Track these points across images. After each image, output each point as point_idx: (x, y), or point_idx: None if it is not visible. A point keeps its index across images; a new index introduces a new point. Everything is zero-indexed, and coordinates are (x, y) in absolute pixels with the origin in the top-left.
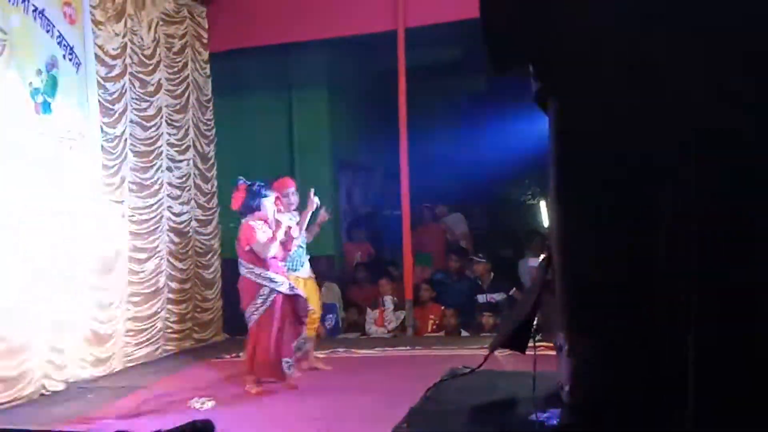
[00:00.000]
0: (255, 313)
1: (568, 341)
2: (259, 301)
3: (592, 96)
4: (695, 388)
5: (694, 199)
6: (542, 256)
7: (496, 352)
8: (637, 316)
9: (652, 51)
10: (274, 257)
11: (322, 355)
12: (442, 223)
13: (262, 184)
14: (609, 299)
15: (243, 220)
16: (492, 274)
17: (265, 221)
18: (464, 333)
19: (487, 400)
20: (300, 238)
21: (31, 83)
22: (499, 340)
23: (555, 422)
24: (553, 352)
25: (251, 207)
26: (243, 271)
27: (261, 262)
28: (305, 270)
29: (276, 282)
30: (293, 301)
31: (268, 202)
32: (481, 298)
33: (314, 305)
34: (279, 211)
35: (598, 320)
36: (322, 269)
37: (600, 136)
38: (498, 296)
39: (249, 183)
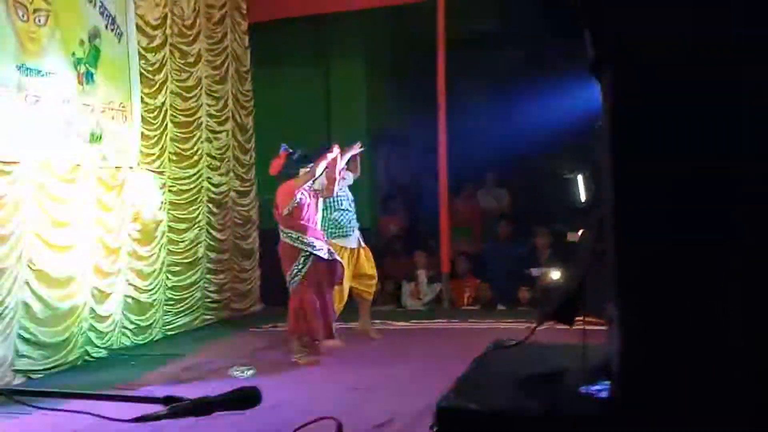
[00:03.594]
0: (297, 275)
1: (620, 313)
2: (300, 264)
3: (653, 66)
4: (755, 362)
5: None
6: (581, 231)
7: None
8: (692, 288)
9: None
10: (309, 223)
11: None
12: (482, 195)
13: (304, 153)
14: (664, 270)
15: (280, 186)
16: (551, 248)
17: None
18: (500, 306)
19: (534, 372)
20: (346, 202)
21: (74, 53)
22: (546, 313)
23: (605, 395)
24: (599, 327)
25: (289, 174)
26: (282, 236)
27: (299, 226)
28: (354, 239)
29: (314, 246)
30: (332, 265)
31: (306, 171)
32: (535, 271)
33: (371, 272)
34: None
35: (651, 292)
36: None
37: (661, 106)
38: (552, 271)
39: (291, 151)
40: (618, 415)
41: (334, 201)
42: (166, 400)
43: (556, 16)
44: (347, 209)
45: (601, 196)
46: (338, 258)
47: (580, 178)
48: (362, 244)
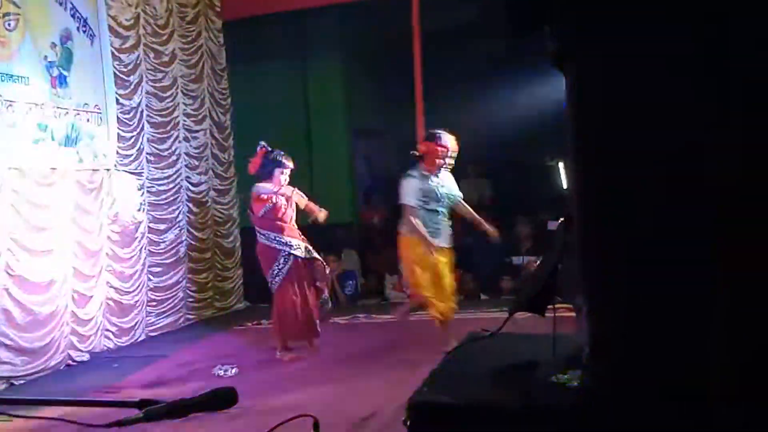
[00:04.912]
0: (277, 276)
1: (589, 303)
2: (281, 264)
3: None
4: (724, 352)
5: (734, 163)
6: (561, 219)
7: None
8: (660, 278)
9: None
10: (285, 222)
11: (343, 321)
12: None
13: (282, 152)
14: (630, 261)
15: (252, 188)
16: (532, 237)
17: (280, 189)
18: (483, 296)
19: (507, 363)
20: (442, 202)
21: (46, 56)
22: (518, 303)
23: (576, 384)
24: (573, 314)
25: (266, 174)
26: (259, 237)
27: (275, 227)
28: (444, 238)
29: (292, 245)
30: (311, 264)
31: (283, 174)
32: (517, 260)
33: (447, 278)
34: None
35: (620, 281)
36: (341, 236)
37: (626, 91)
38: (535, 260)
39: (269, 149)
40: (589, 405)
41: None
42: (141, 404)
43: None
44: (440, 210)
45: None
46: (317, 256)
47: (561, 165)
48: (448, 243)
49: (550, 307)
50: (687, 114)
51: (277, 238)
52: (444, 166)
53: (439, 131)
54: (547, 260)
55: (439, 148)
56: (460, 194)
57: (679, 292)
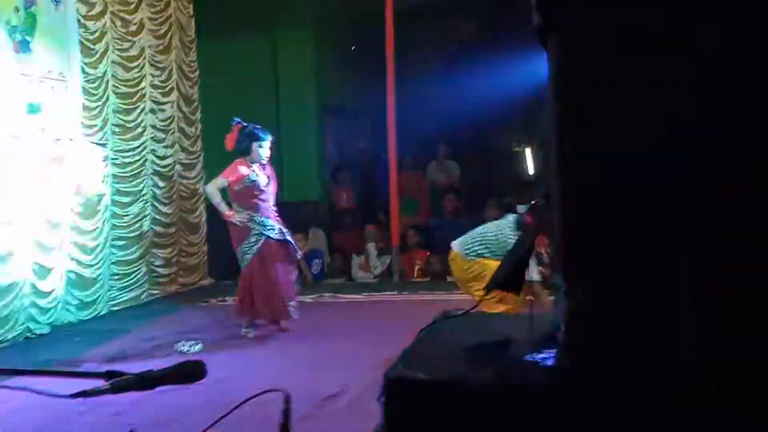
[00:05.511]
0: (247, 253)
1: (566, 282)
2: (251, 242)
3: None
4: (696, 331)
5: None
6: (530, 204)
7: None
8: (639, 257)
9: None
10: (261, 201)
11: (309, 300)
12: (433, 169)
13: (258, 126)
14: (609, 239)
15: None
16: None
17: (261, 165)
18: (450, 278)
19: (481, 342)
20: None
21: (8, 21)
22: (494, 282)
23: (551, 363)
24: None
25: (242, 149)
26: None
27: (251, 205)
28: None
29: (265, 225)
30: (285, 246)
31: (261, 147)
32: None
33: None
34: None
35: (597, 261)
36: (308, 214)
37: (607, 73)
38: None
39: (244, 124)
40: (564, 383)
41: None
42: (108, 375)
43: None
44: None
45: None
46: (290, 239)
47: (528, 151)
48: None
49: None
50: (672, 91)
51: (252, 216)
52: None
53: None
54: (522, 240)
55: None
56: None
57: (655, 269)
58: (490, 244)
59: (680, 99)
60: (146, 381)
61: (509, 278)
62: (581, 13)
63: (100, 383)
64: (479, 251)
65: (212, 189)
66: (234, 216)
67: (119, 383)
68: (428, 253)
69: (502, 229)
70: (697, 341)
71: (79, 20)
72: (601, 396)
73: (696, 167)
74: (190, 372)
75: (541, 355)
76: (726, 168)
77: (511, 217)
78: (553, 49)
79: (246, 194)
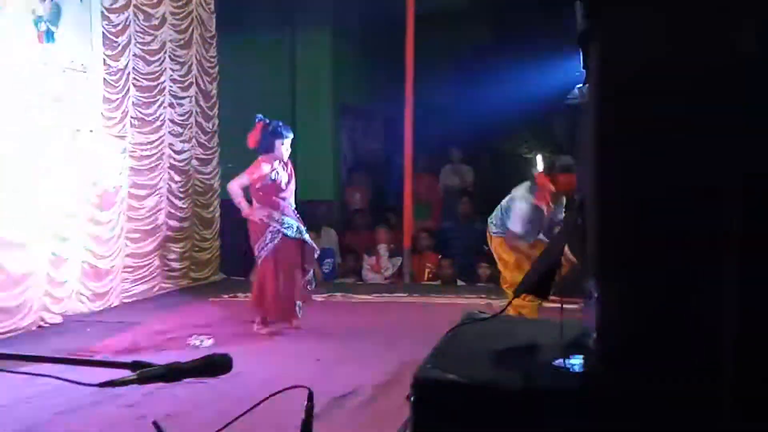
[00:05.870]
0: (263, 250)
1: (599, 287)
2: (267, 239)
3: (649, 41)
4: (735, 342)
5: (755, 152)
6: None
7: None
8: (673, 266)
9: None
10: (282, 200)
11: (320, 299)
12: (446, 172)
13: (281, 123)
14: (644, 246)
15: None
16: None
17: (280, 162)
18: (460, 282)
19: (509, 345)
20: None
21: (34, 10)
22: (523, 287)
23: (579, 369)
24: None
25: (265, 146)
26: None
27: (272, 202)
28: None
29: (283, 223)
30: (301, 245)
31: (283, 144)
32: None
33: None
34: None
35: (631, 269)
36: (321, 213)
37: (650, 79)
38: None
39: (267, 122)
40: (595, 389)
41: None
42: (134, 365)
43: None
44: None
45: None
46: (308, 239)
47: (539, 157)
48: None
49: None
50: (711, 107)
51: (271, 214)
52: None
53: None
54: (554, 244)
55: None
56: None
57: (690, 279)
58: (495, 218)
59: (727, 113)
60: (173, 372)
61: (539, 283)
62: (630, 23)
63: (126, 373)
64: (492, 227)
65: (235, 188)
66: (254, 213)
67: (146, 374)
68: (439, 256)
69: (512, 196)
70: (734, 350)
71: (102, 12)
72: (632, 402)
73: (737, 177)
74: (216, 365)
75: (570, 361)
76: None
77: (526, 184)
78: (595, 57)
79: (267, 192)
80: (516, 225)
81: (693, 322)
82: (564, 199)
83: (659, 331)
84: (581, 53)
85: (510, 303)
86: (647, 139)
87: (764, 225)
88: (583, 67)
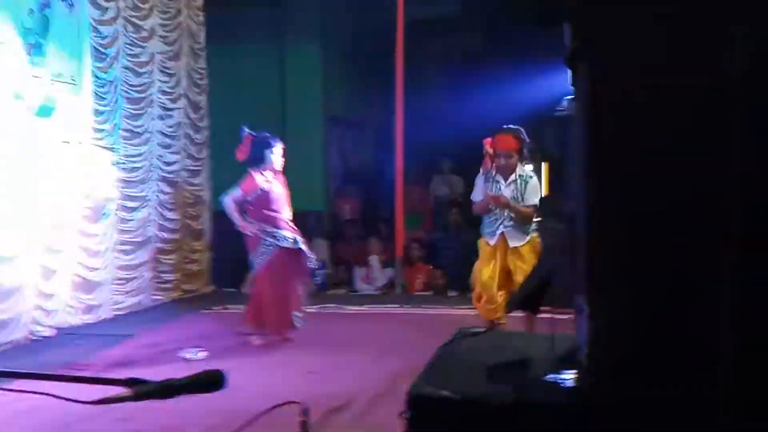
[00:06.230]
0: (258, 262)
1: (590, 303)
2: (263, 249)
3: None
4: (728, 356)
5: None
6: (536, 219)
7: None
8: (663, 282)
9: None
10: (275, 213)
11: (312, 310)
12: (437, 182)
13: (268, 135)
14: (635, 262)
15: (250, 170)
16: None
17: (275, 173)
18: (452, 293)
19: (501, 360)
20: None
21: (23, 23)
22: (515, 301)
23: (571, 383)
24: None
25: (256, 158)
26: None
27: (264, 216)
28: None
29: (277, 236)
30: (298, 255)
31: (273, 153)
32: None
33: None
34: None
35: (622, 284)
36: (311, 224)
37: (638, 99)
38: None
39: (254, 134)
40: (586, 403)
41: None
42: (129, 382)
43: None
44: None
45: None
46: (304, 248)
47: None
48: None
49: (545, 308)
50: (695, 121)
51: (264, 228)
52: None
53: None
54: (542, 261)
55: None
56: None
57: (681, 295)
58: None
59: (711, 130)
60: (168, 390)
61: (530, 299)
62: (615, 45)
63: (121, 390)
64: None
65: (229, 200)
66: (247, 227)
67: (141, 391)
68: (431, 266)
69: None
70: (732, 368)
71: (91, 24)
72: (622, 417)
73: (728, 196)
74: (210, 381)
75: (562, 376)
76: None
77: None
78: (583, 77)
79: (259, 204)
80: (475, 195)
81: (685, 339)
82: (504, 161)
83: (650, 345)
84: (570, 71)
85: (499, 322)
86: (637, 162)
87: (758, 248)
88: (572, 84)
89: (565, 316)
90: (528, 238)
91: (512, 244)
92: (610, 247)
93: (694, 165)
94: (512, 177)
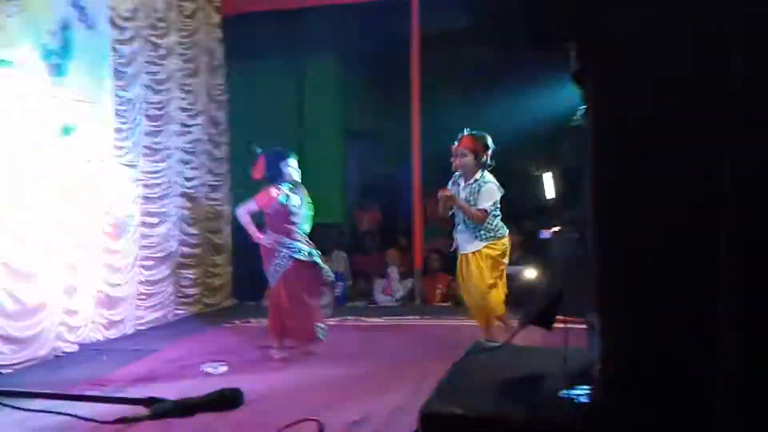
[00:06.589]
0: (275, 274)
1: (602, 318)
2: (279, 261)
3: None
4: (739, 371)
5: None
6: (553, 229)
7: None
8: (678, 294)
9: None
10: (293, 225)
11: (332, 323)
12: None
13: (279, 149)
14: (647, 279)
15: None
16: (522, 246)
17: (294, 185)
18: None
19: (515, 376)
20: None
21: (44, 44)
22: (526, 317)
23: (585, 399)
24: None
25: (274, 175)
26: (264, 234)
27: (283, 229)
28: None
29: (293, 248)
30: (314, 268)
31: (289, 166)
32: (511, 270)
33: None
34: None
35: (634, 300)
36: (331, 237)
37: (643, 114)
38: (525, 269)
39: (265, 153)
40: (599, 420)
41: None
42: (147, 401)
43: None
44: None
45: (575, 197)
46: (320, 261)
47: (547, 175)
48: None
49: (557, 322)
50: (697, 130)
51: (279, 240)
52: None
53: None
54: (554, 275)
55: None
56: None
57: (693, 310)
58: None
59: (714, 139)
60: (186, 409)
61: (543, 314)
62: (617, 62)
63: (140, 409)
64: None
65: (242, 212)
66: (263, 239)
67: (159, 410)
68: (450, 277)
69: None
70: (735, 390)
71: (111, 44)
72: None
73: (732, 208)
74: (228, 400)
75: (576, 391)
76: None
77: None
78: (590, 91)
79: (278, 218)
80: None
81: (696, 354)
82: (459, 159)
83: (662, 362)
84: (579, 88)
85: (515, 334)
86: (645, 174)
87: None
88: (581, 99)
89: (578, 327)
90: (482, 245)
91: (462, 250)
92: (620, 265)
93: (702, 179)
94: (471, 180)
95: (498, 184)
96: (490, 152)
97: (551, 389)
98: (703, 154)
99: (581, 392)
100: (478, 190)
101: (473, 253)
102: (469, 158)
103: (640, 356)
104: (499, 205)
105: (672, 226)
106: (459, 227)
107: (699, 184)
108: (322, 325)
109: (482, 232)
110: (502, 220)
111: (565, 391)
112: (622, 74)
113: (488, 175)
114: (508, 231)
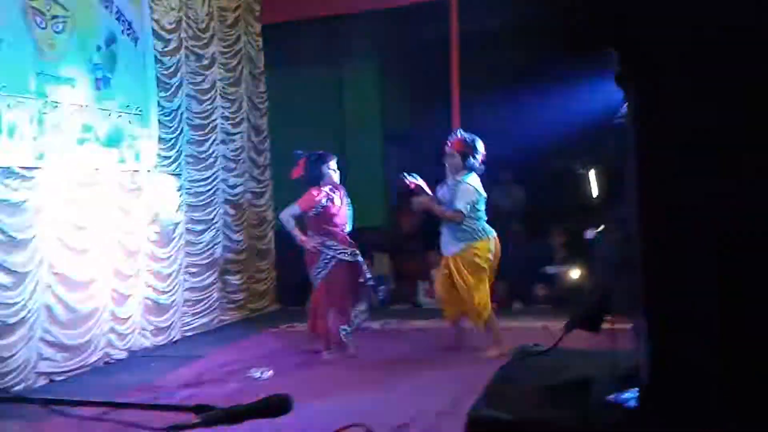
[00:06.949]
0: (317, 277)
1: (649, 322)
2: (322, 264)
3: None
4: None
5: None
6: (599, 229)
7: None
8: (723, 301)
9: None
10: (336, 227)
11: (375, 326)
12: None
13: (321, 152)
14: (693, 282)
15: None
16: (566, 246)
17: (335, 187)
18: (516, 305)
19: (561, 380)
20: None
21: (91, 59)
22: (573, 321)
23: (634, 404)
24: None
25: (315, 176)
26: (308, 236)
27: (325, 230)
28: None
29: (337, 249)
30: (355, 267)
31: (330, 168)
32: (551, 269)
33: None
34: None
35: (683, 300)
36: (372, 240)
37: (683, 118)
38: (570, 269)
39: (306, 155)
40: (647, 425)
41: None
42: (197, 409)
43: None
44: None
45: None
46: (360, 259)
47: (592, 173)
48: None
49: (604, 325)
50: (743, 138)
51: (324, 242)
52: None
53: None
54: (600, 278)
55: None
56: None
57: (741, 313)
58: None
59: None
60: (235, 416)
61: (588, 317)
62: (659, 65)
63: (189, 417)
64: None
65: (286, 216)
66: (308, 242)
67: (209, 417)
68: (494, 278)
69: None
70: None
71: (155, 56)
72: None
73: None
74: (277, 406)
75: (624, 396)
76: None
77: None
78: (632, 96)
79: (320, 219)
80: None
81: (744, 360)
82: (447, 160)
83: (709, 368)
84: (621, 89)
85: (562, 338)
86: (689, 175)
87: None
88: (623, 101)
89: (625, 327)
90: (460, 245)
91: (443, 252)
92: (669, 264)
93: (747, 178)
94: (452, 181)
95: (478, 187)
96: (480, 156)
97: (599, 394)
98: (749, 151)
99: (630, 396)
100: (455, 190)
101: (455, 254)
102: (456, 159)
103: (687, 361)
104: (480, 208)
105: (719, 227)
106: (442, 228)
107: (749, 188)
108: (347, 328)
109: (459, 234)
110: (487, 222)
111: (614, 396)
112: (665, 85)
113: (471, 177)
114: (492, 235)
